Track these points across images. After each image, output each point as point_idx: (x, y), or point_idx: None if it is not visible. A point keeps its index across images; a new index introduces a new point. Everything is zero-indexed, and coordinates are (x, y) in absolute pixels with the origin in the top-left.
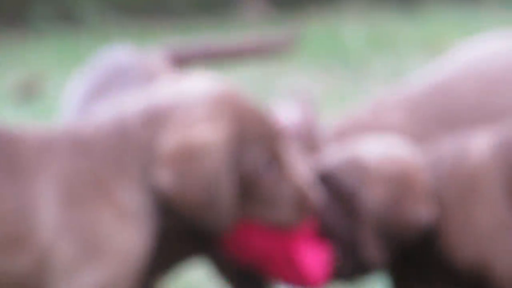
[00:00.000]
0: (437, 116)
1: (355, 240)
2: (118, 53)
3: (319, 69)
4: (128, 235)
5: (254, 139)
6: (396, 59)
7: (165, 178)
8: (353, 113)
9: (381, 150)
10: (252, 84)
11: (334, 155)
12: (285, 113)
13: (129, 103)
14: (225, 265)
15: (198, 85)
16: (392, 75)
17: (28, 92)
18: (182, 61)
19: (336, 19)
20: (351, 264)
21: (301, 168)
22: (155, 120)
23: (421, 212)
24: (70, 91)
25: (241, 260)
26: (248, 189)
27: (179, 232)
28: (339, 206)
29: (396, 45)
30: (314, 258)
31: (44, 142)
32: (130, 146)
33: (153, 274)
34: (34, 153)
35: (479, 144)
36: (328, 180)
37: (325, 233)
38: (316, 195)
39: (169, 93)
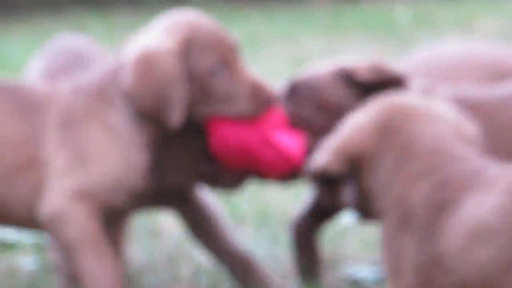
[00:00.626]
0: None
1: (323, 129)
2: (72, 39)
3: (374, 40)
4: (114, 150)
5: (205, 47)
6: (436, 34)
7: (127, 82)
8: None
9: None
10: (320, 52)
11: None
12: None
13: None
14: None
15: (165, 19)
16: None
17: None
18: None
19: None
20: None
21: (253, 73)
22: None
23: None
24: (31, 68)
25: (229, 161)
26: (204, 89)
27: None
28: (310, 103)
29: (436, 22)
30: (289, 140)
31: (49, 89)
32: (113, 83)
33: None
34: (43, 97)
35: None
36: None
37: (295, 122)
38: (272, 88)
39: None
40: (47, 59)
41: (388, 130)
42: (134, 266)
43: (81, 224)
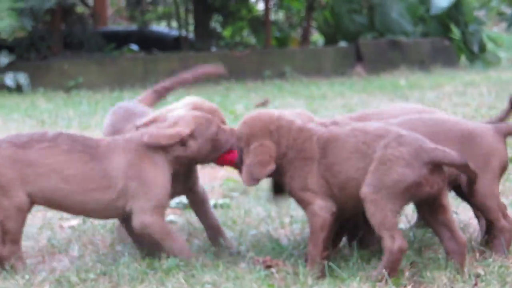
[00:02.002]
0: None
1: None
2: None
3: (386, 97)
4: (162, 178)
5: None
6: (420, 94)
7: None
8: None
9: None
10: (356, 104)
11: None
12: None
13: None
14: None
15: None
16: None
17: None
18: (165, 92)
19: None
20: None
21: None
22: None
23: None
24: (104, 123)
25: (220, 163)
26: (214, 145)
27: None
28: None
29: (421, 86)
30: (232, 156)
31: (110, 142)
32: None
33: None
34: (106, 148)
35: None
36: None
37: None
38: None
39: (167, 109)
40: (111, 114)
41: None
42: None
43: (160, 226)
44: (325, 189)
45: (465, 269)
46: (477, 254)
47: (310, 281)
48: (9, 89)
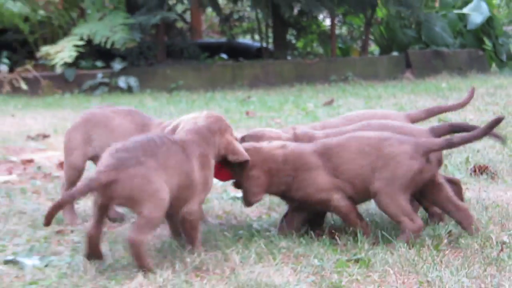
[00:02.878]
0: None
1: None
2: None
3: (431, 98)
4: (212, 178)
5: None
6: (459, 95)
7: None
8: None
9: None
10: (405, 103)
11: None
12: None
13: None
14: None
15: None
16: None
17: None
18: None
19: None
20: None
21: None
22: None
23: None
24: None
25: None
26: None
27: None
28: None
29: (461, 89)
30: (227, 173)
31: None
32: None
33: None
34: (189, 146)
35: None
36: None
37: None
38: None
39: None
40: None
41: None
42: None
43: (197, 213)
44: (336, 184)
45: (493, 236)
46: (503, 226)
47: (366, 246)
48: (122, 90)
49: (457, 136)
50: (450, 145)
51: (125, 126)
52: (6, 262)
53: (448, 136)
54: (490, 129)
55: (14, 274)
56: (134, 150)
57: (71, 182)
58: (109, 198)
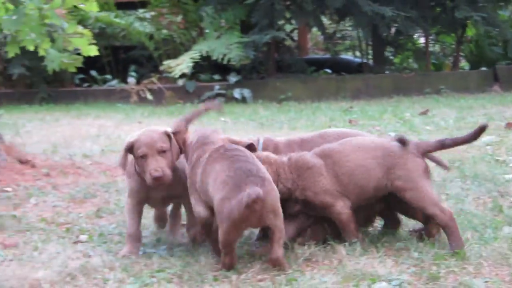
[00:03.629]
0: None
1: None
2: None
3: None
4: None
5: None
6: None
7: None
8: None
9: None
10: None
11: None
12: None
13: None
14: None
15: None
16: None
17: None
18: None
19: None
20: None
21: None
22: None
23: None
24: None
25: None
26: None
27: None
28: None
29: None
30: None
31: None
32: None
33: None
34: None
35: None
36: None
37: None
38: None
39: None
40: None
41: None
42: None
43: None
44: (339, 188)
45: None
46: None
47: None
48: (236, 100)
49: (449, 138)
50: (443, 146)
51: None
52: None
53: (441, 138)
54: (477, 136)
55: (143, 263)
56: None
57: None
58: None
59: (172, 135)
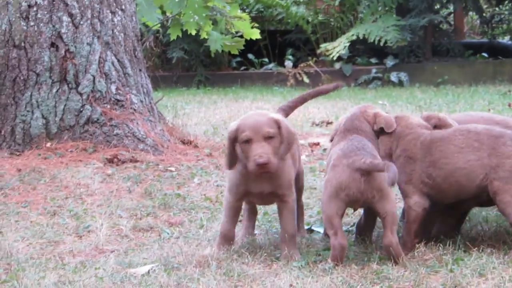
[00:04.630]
0: None
1: None
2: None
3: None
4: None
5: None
6: None
7: None
8: None
9: None
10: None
11: None
12: None
13: None
14: None
15: None
16: None
17: None
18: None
19: None
20: None
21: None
22: None
23: None
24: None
25: None
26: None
27: None
28: None
29: None
30: None
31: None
32: None
33: None
34: None
35: None
36: None
37: None
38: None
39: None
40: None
41: None
42: None
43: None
44: (423, 186)
45: None
46: None
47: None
48: (393, 84)
49: None
50: None
51: None
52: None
53: None
54: None
55: (306, 242)
56: None
57: None
58: None
59: (281, 122)
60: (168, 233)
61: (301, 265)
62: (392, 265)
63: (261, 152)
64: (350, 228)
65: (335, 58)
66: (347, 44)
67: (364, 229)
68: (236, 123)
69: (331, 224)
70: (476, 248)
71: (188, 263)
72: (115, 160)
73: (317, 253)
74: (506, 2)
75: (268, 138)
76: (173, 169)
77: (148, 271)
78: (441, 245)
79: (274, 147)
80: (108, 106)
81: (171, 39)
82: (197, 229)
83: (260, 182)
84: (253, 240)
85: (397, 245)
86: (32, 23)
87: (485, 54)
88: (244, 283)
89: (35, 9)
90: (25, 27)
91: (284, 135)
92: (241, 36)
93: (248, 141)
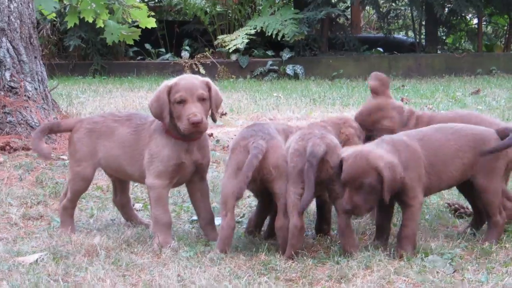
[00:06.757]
0: None
1: None
2: None
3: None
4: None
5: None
6: None
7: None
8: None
9: None
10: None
11: None
12: None
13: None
14: None
15: None
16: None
17: None
18: None
19: None
20: None
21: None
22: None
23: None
24: None
25: None
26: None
27: None
28: None
29: None
30: None
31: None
32: None
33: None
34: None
35: None
36: None
37: None
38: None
39: None
40: None
41: None
42: None
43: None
44: (424, 182)
45: None
46: None
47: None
48: (289, 77)
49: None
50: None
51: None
52: (192, 222)
53: None
54: None
55: (196, 232)
56: None
57: (77, 191)
58: None
59: (211, 85)
60: (58, 222)
61: (190, 255)
62: (279, 256)
63: (195, 111)
64: (240, 220)
65: (231, 50)
66: (246, 40)
67: (256, 224)
68: (168, 83)
69: (225, 205)
70: (363, 241)
71: (77, 252)
72: (7, 147)
73: (206, 243)
74: None
75: (201, 99)
76: (65, 157)
77: (37, 260)
78: (328, 237)
79: (205, 109)
80: (2, 93)
81: (68, 27)
82: (87, 218)
83: (191, 152)
84: (142, 230)
85: (291, 229)
86: None
87: (380, 49)
88: (132, 272)
89: None
90: None
91: (214, 97)
92: (138, 26)
93: (182, 102)
